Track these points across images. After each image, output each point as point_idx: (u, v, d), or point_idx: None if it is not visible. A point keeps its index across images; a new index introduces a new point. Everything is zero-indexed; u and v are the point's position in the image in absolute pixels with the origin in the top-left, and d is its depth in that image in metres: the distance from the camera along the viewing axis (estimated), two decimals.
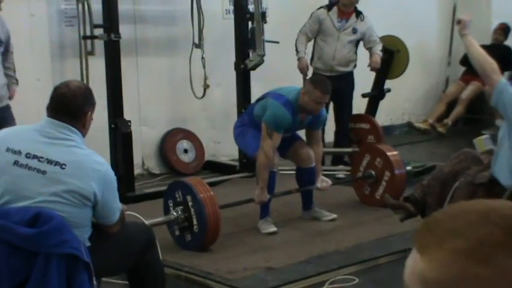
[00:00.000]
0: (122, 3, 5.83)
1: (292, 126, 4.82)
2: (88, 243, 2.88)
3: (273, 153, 4.73)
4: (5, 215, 2.67)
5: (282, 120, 4.71)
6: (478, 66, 3.79)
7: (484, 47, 4.03)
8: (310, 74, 6.32)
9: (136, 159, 6.16)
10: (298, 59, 6.39)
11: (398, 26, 7.56)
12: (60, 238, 2.64)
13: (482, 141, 4.86)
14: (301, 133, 5.16)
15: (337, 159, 6.74)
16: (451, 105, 8.30)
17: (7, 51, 5.09)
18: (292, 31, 6.45)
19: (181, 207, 4.48)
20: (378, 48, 6.44)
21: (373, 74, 6.93)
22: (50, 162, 2.79)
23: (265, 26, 6.10)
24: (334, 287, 4.00)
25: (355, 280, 4.05)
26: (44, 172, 2.78)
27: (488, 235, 0.85)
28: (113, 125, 5.66)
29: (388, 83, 7.18)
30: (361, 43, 6.51)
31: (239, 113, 6.21)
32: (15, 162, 2.81)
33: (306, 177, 5.05)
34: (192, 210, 4.44)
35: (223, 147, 7.09)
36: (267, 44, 6.08)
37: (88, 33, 5.78)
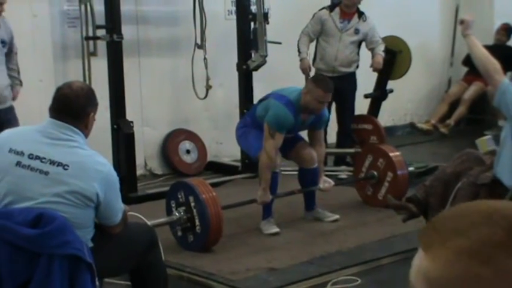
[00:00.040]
0: (124, 4, 5.84)
1: (295, 126, 4.82)
2: (90, 244, 2.88)
3: (275, 154, 4.73)
4: (8, 216, 2.67)
5: (284, 120, 4.71)
6: (480, 66, 3.79)
7: (487, 47, 4.03)
8: (312, 74, 6.32)
9: (139, 160, 6.16)
10: (301, 60, 6.39)
11: (401, 27, 7.55)
12: (63, 239, 2.64)
13: (484, 142, 4.85)
14: (304, 134, 5.16)
15: (339, 160, 6.74)
16: (454, 105, 8.29)
17: (11, 52, 5.10)
18: (294, 32, 6.46)
19: (183, 207, 4.48)
20: (380, 48, 6.44)
21: (376, 74, 6.93)
22: (52, 163, 2.79)
23: (268, 27, 6.09)
24: (336, 287, 4.00)
25: (357, 281, 4.05)
26: (46, 173, 2.79)
27: (491, 235, 0.85)
28: (115, 126, 5.67)
29: (391, 84, 7.18)
30: (363, 44, 6.51)
31: (241, 113, 6.21)
32: (18, 163, 2.81)
33: (308, 178, 5.05)
34: (194, 210, 4.44)
35: (226, 148, 7.09)
36: (269, 45, 6.08)
37: (90, 34, 5.79)
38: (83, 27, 5.82)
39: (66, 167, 2.79)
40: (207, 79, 6.39)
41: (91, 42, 5.86)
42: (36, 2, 5.93)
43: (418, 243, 0.92)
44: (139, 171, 6.39)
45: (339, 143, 6.68)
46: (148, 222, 3.97)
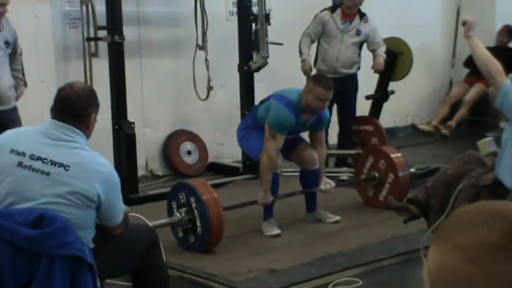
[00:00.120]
0: (126, 5, 5.84)
1: (296, 127, 4.82)
2: (92, 245, 2.88)
3: (276, 155, 4.73)
4: (9, 216, 2.67)
5: (285, 121, 4.71)
6: (483, 67, 3.79)
7: (488, 48, 4.03)
8: None
9: (140, 161, 6.17)
10: (302, 61, 6.39)
11: (402, 28, 7.55)
12: (64, 239, 2.64)
13: (486, 143, 4.84)
14: (305, 135, 5.16)
15: (340, 161, 6.73)
16: (455, 107, 8.28)
17: (15, 53, 5.09)
18: (295, 33, 6.46)
19: (184, 208, 4.48)
20: (382, 50, 6.44)
21: (377, 76, 6.93)
22: (53, 163, 2.79)
23: (269, 28, 6.10)
24: None
25: (358, 282, 4.05)
26: (47, 173, 2.79)
27: (488, 236, 0.86)
28: (116, 127, 5.67)
29: (392, 85, 7.18)
30: (364, 45, 6.51)
31: (242, 114, 6.21)
32: (19, 164, 2.81)
33: (309, 179, 5.05)
34: (195, 212, 4.44)
35: (227, 149, 7.09)
36: (270, 46, 6.09)
37: (92, 35, 5.78)
38: (85, 28, 5.82)
39: (67, 168, 2.79)
40: (208, 80, 6.39)
41: (92, 43, 5.86)
42: (38, 3, 5.93)
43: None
44: (141, 172, 6.39)
45: (340, 144, 6.68)
46: (150, 223, 3.97)
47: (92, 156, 2.87)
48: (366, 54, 6.55)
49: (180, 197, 4.51)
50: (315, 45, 6.55)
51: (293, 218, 5.21)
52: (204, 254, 4.43)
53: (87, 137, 2.95)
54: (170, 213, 4.58)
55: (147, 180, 6.56)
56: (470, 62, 7.37)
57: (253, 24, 6.23)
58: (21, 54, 5.18)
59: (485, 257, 0.85)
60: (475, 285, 0.85)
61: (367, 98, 7.07)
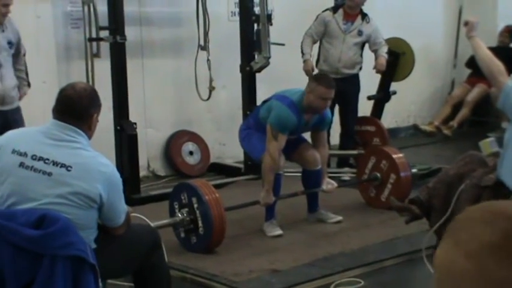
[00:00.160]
0: (128, 5, 5.84)
1: (297, 127, 4.82)
2: (94, 245, 2.88)
3: (278, 155, 4.73)
4: (11, 217, 2.67)
5: (287, 121, 4.71)
6: (485, 68, 3.78)
7: (490, 49, 4.02)
8: None
9: (142, 161, 6.17)
10: (304, 61, 6.39)
11: (404, 28, 7.55)
12: (66, 240, 2.64)
13: (488, 144, 4.83)
14: (307, 136, 5.16)
15: (342, 162, 6.74)
16: (457, 107, 8.28)
17: (18, 53, 5.10)
18: (297, 33, 6.46)
19: (186, 209, 4.48)
20: (384, 50, 6.44)
21: (379, 76, 6.93)
22: (55, 164, 2.79)
23: (271, 28, 6.10)
24: None
25: (360, 283, 4.05)
26: (49, 174, 2.79)
27: (488, 235, 0.86)
28: (118, 127, 5.67)
29: (394, 85, 7.17)
30: (366, 45, 6.51)
31: (244, 115, 6.21)
32: (21, 164, 2.81)
33: (311, 179, 5.05)
34: (197, 212, 4.44)
35: (229, 149, 7.09)
36: (272, 46, 6.09)
37: (94, 35, 5.79)
38: (86, 28, 5.82)
39: (69, 168, 2.79)
40: (210, 80, 6.39)
41: (94, 44, 5.86)
42: (39, 3, 5.94)
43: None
44: (142, 173, 6.40)
45: (342, 145, 6.68)
46: (151, 224, 3.97)
47: (93, 157, 2.87)
48: (368, 54, 6.55)
49: (182, 198, 4.51)
50: (316, 45, 6.55)
51: (295, 218, 5.21)
52: (206, 254, 4.43)
53: (89, 137, 2.95)
54: (172, 213, 4.58)
55: (149, 181, 6.56)
56: (472, 63, 7.38)
57: (255, 25, 6.23)
58: (24, 55, 5.19)
59: (482, 256, 0.86)
60: (469, 282, 0.86)
61: (369, 98, 7.07)
